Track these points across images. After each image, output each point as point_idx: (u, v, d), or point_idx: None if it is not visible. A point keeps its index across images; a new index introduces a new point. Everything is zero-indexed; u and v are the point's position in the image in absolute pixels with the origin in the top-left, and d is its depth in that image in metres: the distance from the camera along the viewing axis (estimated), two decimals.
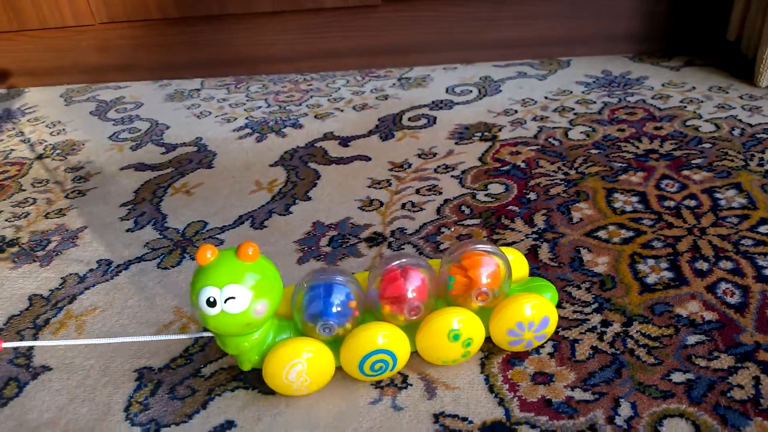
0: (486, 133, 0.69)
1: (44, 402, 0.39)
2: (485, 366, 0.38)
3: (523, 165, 0.61)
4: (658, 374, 0.36)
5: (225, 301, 0.33)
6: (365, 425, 0.35)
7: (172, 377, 0.40)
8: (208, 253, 0.33)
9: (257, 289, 0.33)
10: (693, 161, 0.59)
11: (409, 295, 0.36)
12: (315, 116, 0.79)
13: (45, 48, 0.97)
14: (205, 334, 0.39)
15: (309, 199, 0.60)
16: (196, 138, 0.76)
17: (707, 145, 0.61)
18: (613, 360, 0.37)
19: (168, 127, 0.80)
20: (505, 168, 0.61)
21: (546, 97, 0.76)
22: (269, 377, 0.36)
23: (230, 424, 0.36)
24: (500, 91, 0.80)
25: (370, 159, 0.66)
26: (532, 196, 0.56)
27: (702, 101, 0.71)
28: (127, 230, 0.58)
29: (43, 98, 0.96)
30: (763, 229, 0.48)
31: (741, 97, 0.71)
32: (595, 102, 0.74)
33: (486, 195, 0.57)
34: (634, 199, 0.53)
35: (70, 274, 0.52)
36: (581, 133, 0.67)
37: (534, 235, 0.50)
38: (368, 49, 0.91)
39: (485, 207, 0.55)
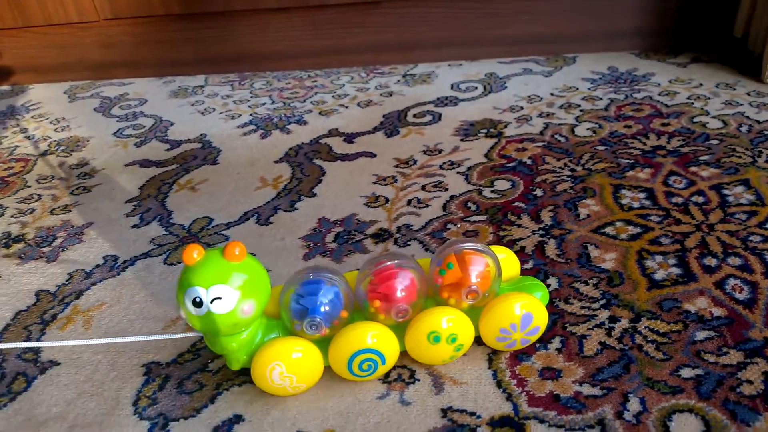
0: (491, 130, 0.69)
1: (52, 396, 0.39)
2: (493, 361, 0.38)
3: (529, 161, 0.61)
4: (667, 370, 0.36)
5: (211, 302, 0.32)
6: (373, 420, 0.35)
7: (180, 372, 0.40)
8: (194, 253, 0.33)
9: (244, 289, 0.33)
10: (701, 158, 0.58)
11: (398, 294, 0.36)
12: (319, 113, 0.78)
13: (49, 45, 0.97)
14: (193, 334, 0.39)
15: (314, 195, 0.60)
16: (201, 134, 0.76)
17: (715, 142, 0.61)
18: (622, 355, 0.37)
19: (172, 124, 0.80)
20: (511, 164, 0.61)
21: (552, 94, 0.76)
22: (257, 381, 0.36)
23: (238, 418, 0.36)
24: (505, 87, 0.80)
25: (375, 155, 0.66)
26: (539, 192, 0.56)
27: (709, 98, 0.71)
28: (133, 226, 0.58)
29: (47, 95, 0.97)
30: None
31: (748, 94, 0.71)
32: (601, 98, 0.74)
33: (492, 191, 0.57)
34: (642, 195, 0.53)
35: (77, 270, 0.52)
36: (588, 129, 0.67)
37: (541, 232, 0.50)
38: (372, 45, 0.91)
39: (491, 203, 0.55)
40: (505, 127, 0.69)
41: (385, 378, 0.38)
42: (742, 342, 0.37)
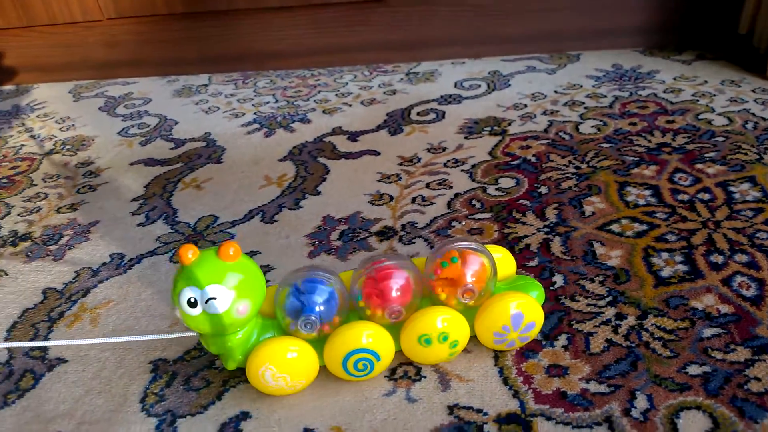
0: (495, 128, 0.69)
1: (60, 393, 0.40)
2: (499, 358, 0.38)
3: (533, 159, 0.61)
4: (674, 367, 0.36)
5: (206, 302, 0.33)
6: (380, 417, 0.35)
7: (187, 369, 0.40)
8: (189, 253, 0.33)
9: (239, 289, 0.33)
10: (706, 155, 0.58)
11: (393, 294, 0.35)
12: (323, 111, 0.79)
13: (53, 44, 0.98)
14: (190, 333, 0.38)
15: (319, 193, 0.60)
16: (205, 133, 0.76)
17: (720, 139, 0.61)
18: (629, 353, 0.37)
19: (177, 123, 0.80)
20: (515, 162, 0.61)
21: (556, 92, 0.76)
22: (253, 383, 0.36)
23: (245, 415, 0.36)
24: (509, 85, 0.80)
25: (379, 153, 0.66)
26: (543, 190, 0.55)
27: (714, 95, 0.71)
28: (139, 225, 0.58)
29: (52, 94, 0.97)
30: None
31: (753, 91, 0.70)
32: (605, 96, 0.73)
33: (497, 189, 0.57)
34: (647, 192, 0.53)
35: (83, 268, 0.52)
36: (592, 127, 0.66)
37: (546, 229, 0.50)
38: (375, 44, 0.91)
39: (496, 201, 0.55)
40: (509, 124, 0.69)
41: (391, 375, 0.38)
42: (749, 339, 0.37)
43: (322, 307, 0.35)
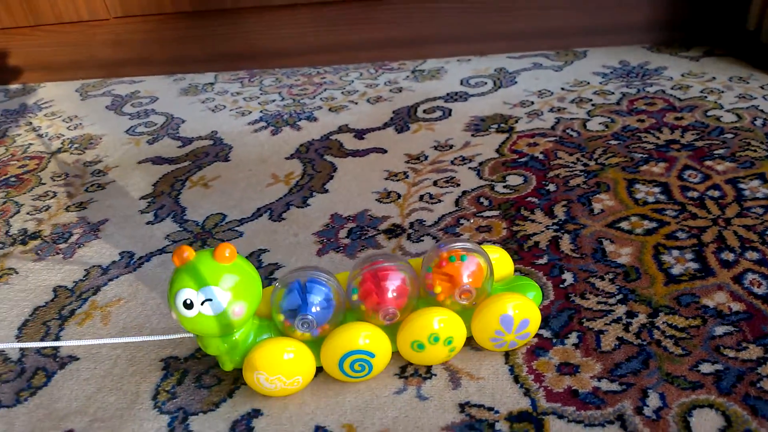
0: (502, 125, 0.69)
1: (72, 391, 0.40)
2: (509, 356, 0.38)
3: (541, 156, 0.61)
4: (686, 365, 0.36)
5: (202, 303, 0.33)
6: (391, 414, 0.35)
7: (198, 366, 0.40)
8: (184, 255, 0.33)
9: (235, 291, 0.33)
10: (715, 152, 0.58)
11: (389, 295, 0.35)
12: (329, 109, 0.79)
13: (60, 43, 0.98)
14: (186, 335, 0.38)
15: (326, 191, 0.60)
16: (212, 131, 0.76)
17: (729, 136, 0.60)
18: (640, 351, 0.37)
19: (183, 121, 0.80)
20: (523, 159, 0.61)
21: (563, 89, 0.76)
22: (253, 388, 0.36)
23: (257, 412, 0.37)
24: (516, 82, 0.79)
25: (386, 151, 0.66)
26: (552, 187, 0.55)
27: (723, 91, 0.70)
28: (148, 223, 0.58)
29: (59, 93, 0.97)
30: None
31: (762, 87, 0.70)
32: (613, 93, 0.73)
33: (504, 186, 0.57)
34: (657, 189, 0.53)
35: (94, 266, 0.52)
36: (600, 124, 0.66)
37: (555, 227, 0.50)
38: (381, 41, 0.91)
39: (504, 198, 0.55)
40: (516, 122, 0.69)
41: (402, 373, 0.38)
42: (761, 337, 0.37)
43: (318, 308, 0.35)
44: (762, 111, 0.65)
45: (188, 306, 0.33)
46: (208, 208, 0.59)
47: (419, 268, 0.38)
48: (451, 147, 0.65)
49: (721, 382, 0.34)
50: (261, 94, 0.86)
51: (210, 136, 0.75)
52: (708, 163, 0.56)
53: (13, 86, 1.04)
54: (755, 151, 0.57)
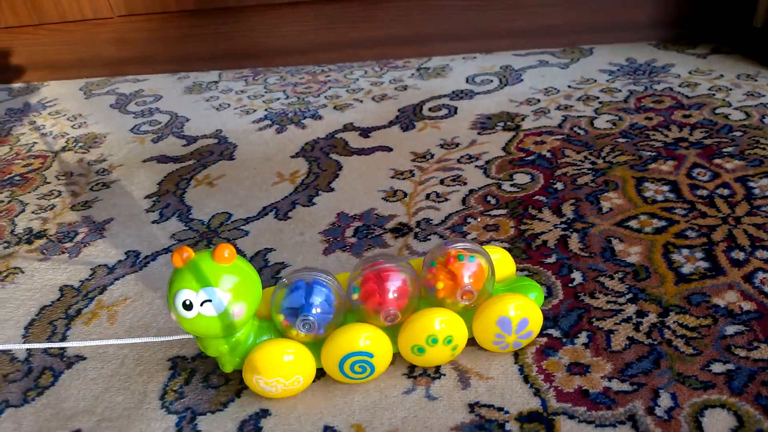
0: (509, 123, 0.68)
1: (80, 391, 0.40)
2: (519, 356, 0.38)
3: (548, 154, 0.61)
4: (698, 365, 0.35)
5: (201, 304, 0.32)
6: (400, 415, 0.35)
7: (206, 366, 0.40)
8: (184, 255, 0.33)
9: (234, 292, 0.33)
10: (724, 149, 0.57)
11: (390, 296, 0.35)
12: (334, 107, 0.78)
13: (64, 42, 0.98)
14: (186, 336, 0.38)
15: (332, 190, 0.59)
16: (216, 130, 0.76)
17: (738, 134, 0.60)
18: (651, 350, 0.37)
19: (188, 120, 0.80)
20: (530, 158, 0.60)
21: (569, 86, 0.75)
22: (253, 390, 0.36)
23: (265, 412, 0.36)
24: (521, 80, 0.79)
25: (391, 150, 0.66)
26: (559, 185, 0.55)
27: (731, 89, 0.70)
28: (153, 222, 0.58)
29: (63, 92, 0.97)
30: None
31: None
32: (620, 90, 0.73)
33: (512, 185, 0.56)
34: (665, 188, 0.52)
35: (99, 265, 0.52)
36: (607, 121, 0.66)
37: (563, 225, 0.49)
38: (385, 39, 0.91)
39: (511, 197, 0.54)
40: (523, 120, 0.68)
41: (410, 373, 0.38)
42: None
43: (319, 309, 0.35)
44: None
45: (188, 307, 0.33)
46: (214, 207, 0.59)
47: (420, 268, 0.38)
48: (457, 145, 0.65)
49: (733, 381, 0.34)
50: (265, 92, 0.86)
51: (215, 135, 0.75)
52: (717, 161, 0.56)
53: (17, 85, 1.04)
54: (764, 149, 0.57)
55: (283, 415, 0.36)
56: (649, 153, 0.58)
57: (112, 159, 0.72)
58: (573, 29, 0.86)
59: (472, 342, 0.38)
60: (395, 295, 0.35)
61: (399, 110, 0.75)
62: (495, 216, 0.52)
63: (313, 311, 0.35)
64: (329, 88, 0.85)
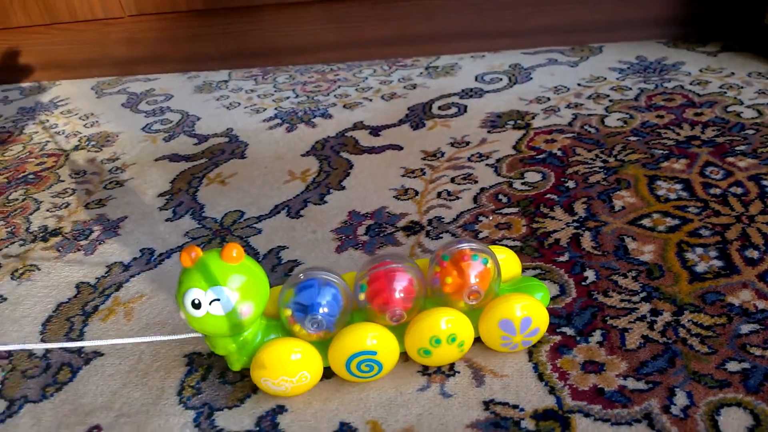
0: (519, 121, 0.68)
1: (98, 386, 0.40)
2: (533, 354, 0.38)
3: (559, 153, 0.61)
4: (713, 363, 0.35)
5: (210, 303, 0.33)
6: (415, 411, 0.35)
7: (222, 362, 0.40)
8: (192, 255, 0.33)
9: (242, 291, 0.33)
10: (737, 148, 0.57)
11: (397, 295, 0.35)
12: (344, 106, 0.78)
13: (75, 41, 0.99)
14: (195, 335, 0.38)
15: (343, 188, 0.60)
16: (227, 129, 0.77)
17: (750, 132, 0.60)
18: (666, 349, 0.37)
19: (199, 119, 0.81)
20: (540, 156, 0.60)
21: (579, 84, 0.75)
22: (263, 390, 0.37)
23: (281, 408, 0.37)
24: (531, 78, 0.79)
25: (402, 148, 0.66)
26: (571, 184, 0.55)
27: (742, 87, 0.69)
28: (167, 220, 0.58)
29: (74, 91, 0.98)
30: None
31: None
32: (630, 88, 0.72)
33: (523, 183, 0.56)
34: (678, 186, 0.52)
35: (115, 263, 0.53)
36: (618, 120, 0.66)
37: (575, 224, 0.49)
38: (394, 38, 0.91)
39: (523, 195, 0.54)
40: (533, 118, 0.68)
41: (425, 370, 0.38)
42: None
43: (327, 309, 0.35)
44: None
45: (196, 306, 0.33)
46: (226, 205, 0.59)
47: (426, 268, 0.38)
48: (467, 144, 0.65)
49: (749, 380, 0.34)
50: (275, 91, 0.86)
51: (225, 134, 0.75)
52: (730, 159, 0.55)
53: (29, 84, 1.04)
54: None
55: (299, 411, 0.36)
56: (661, 151, 0.58)
57: (125, 157, 0.73)
58: (582, 27, 0.86)
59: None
60: (401, 295, 0.36)
61: (408, 109, 0.75)
62: (507, 214, 0.52)
63: (322, 310, 0.35)
64: (338, 86, 0.85)
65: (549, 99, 0.73)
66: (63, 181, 0.69)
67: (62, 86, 1.01)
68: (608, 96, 0.71)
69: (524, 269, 0.45)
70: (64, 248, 0.56)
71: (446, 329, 0.35)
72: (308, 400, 0.37)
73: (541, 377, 0.36)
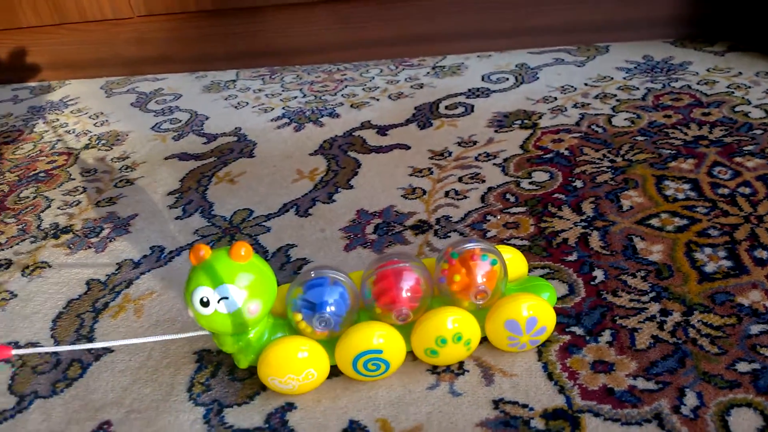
0: (526, 121, 0.68)
1: (108, 383, 0.41)
2: (542, 354, 0.38)
3: (566, 152, 0.61)
4: (723, 364, 0.35)
5: (218, 301, 0.33)
6: (424, 410, 0.35)
7: (231, 359, 0.41)
8: (201, 253, 0.34)
9: (250, 289, 0.34)
10: (745, 148, 0.57)
11: (403, 295, 0.36)
12: (351, 105, 0.79)
13: (84, 41, 1.00)
14: (202, 333, 0.38)
15: (351, 187, 0.60)
16: (236, 128, 0.77)
17: (758, 132, 0.59)
18: (676, 349, 0.37)
19: (207, 118, 0.81)
20: (548, 156, 0.60)
21: (586, 84, 0.75)
22: (271, 389, 0.37)
23: (290, 405, 0.37)
24: (537, 78, 0.79)
25: (409, 147, 0.66)
26: (579, 183, 0.55)
27: (750, 87, 0.69)
28: (177, 218, 0.59)
29: (84, 90, 0.99)
30: None
31: None
32: (638, 88, 0.72)
33: (530, 183, 0.56)
34: (686, 186, 0.52)
35: (125, 260, 0.53)
36: (625, 119, 0.65)
37: (583, 223, 0.49)
38: (400, 37, 0.91)
39: (531, 195, 0.54)
40: (540, 118, 0.68)
41: (434, 369, 0.38)
42: None
43: (334, 308, 0.36)
44: None
45: (205, 304, 0.33)
46: (235, 204, 0.60)
47: (432, 267, 0.38)
48: (474, 143, 0.65)
49: (759, 381, 0.34)
50: (282, 90, 0.87)
51: (234, 133, 0.76)
52: (738, 159, 0.55)
53: (39, 83, 1.05)
54: None
55: (308, 409, 0.37)
56: (668, 151, 0.58)
57: (135, 156, 0.73)
58: (588, 27, 0.86)
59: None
60: (408, 294, 0.36)
61: (415, 108, 0.75)
62: (514, 214, 0.52)
63: (329, 309, 0.35)
64: (345, 86, 0.85)
65: (556, 99, 0.72)
66: (74, 179, 0.70)
67: (72, 86, 1.02)
68: (615, 96, 0.71)
69: (533, 268, 0.45)
70: (74, 246, 0.56)
71: (452, 329, 0.36)
72: (317, 398, 0.37)
73: (550, 377, 0.36)
